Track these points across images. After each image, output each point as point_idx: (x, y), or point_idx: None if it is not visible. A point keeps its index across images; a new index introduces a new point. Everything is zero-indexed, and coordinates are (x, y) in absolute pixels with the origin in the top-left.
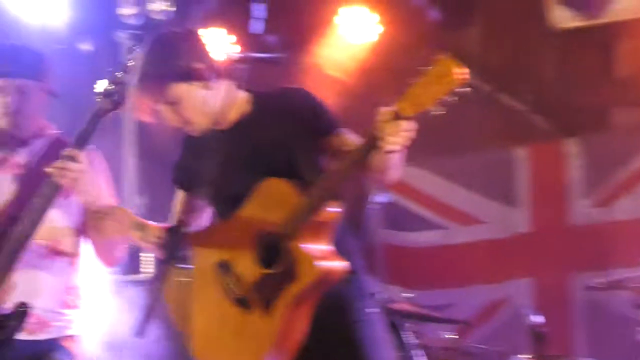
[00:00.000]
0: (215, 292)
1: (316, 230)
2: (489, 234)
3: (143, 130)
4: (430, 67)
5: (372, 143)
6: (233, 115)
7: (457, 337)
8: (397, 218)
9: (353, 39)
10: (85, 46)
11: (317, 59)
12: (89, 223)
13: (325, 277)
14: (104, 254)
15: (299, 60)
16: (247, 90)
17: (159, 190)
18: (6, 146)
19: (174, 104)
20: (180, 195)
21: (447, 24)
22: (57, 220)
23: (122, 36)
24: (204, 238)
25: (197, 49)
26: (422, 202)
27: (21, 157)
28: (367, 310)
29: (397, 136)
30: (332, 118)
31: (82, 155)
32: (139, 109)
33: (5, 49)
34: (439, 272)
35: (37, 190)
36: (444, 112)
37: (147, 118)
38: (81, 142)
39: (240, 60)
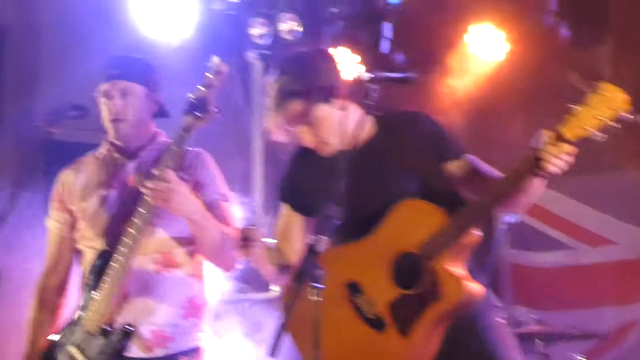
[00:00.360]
0: (345, 312)
1: (456, 253)
2: (620, 255)
3: (270, 150)
4: (594, 93)
5: (533, 165)
6: (362, 136)
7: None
8: (525, 238)
9: (482, 57)
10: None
11: (446, 78)
12: (198, 239)
13: (469, 299)
14: (218, 260)
15: (428, 79)
16: (371, 111)
17: None
18: (115, 161)
19: (312, 124)
20: (288, 214)
21: (577, 41)
22: (163, 232)
23: (252, 56)
24: (330, 258)
25: (335, 69)
26: (550, 222)
27: (131, 170)
28: (495, 319)
29: (559, 159)
30: (455, 142)
31: (171, 174)
32: (275, 129)
33: (113, 57)
34: (568, 292)
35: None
36: (605, 139)
37: (282, 138)
38: (170, 160)
39: (371, 80)
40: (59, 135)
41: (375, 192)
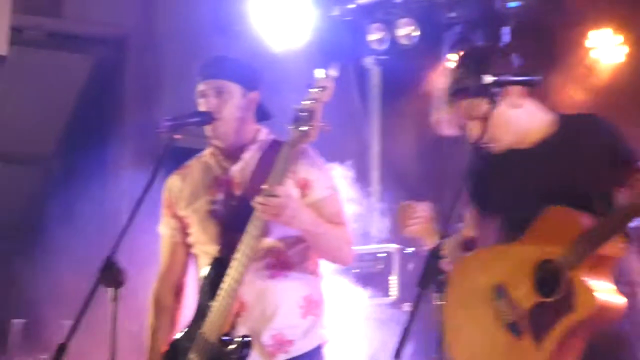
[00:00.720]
0: (485, 314)
1: (599, 264)
2: None
3: (386, 155)
4: None
5: None
6: (536, 135)
7: None
8: None
9: (600, 60)
10: (332, 72)
11: (566, 81)
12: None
13: (602, 312)
14: (335, 258)
15: (547, 83)
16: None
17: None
18: (220, 164)
19: (484, 120)
20: (471, 211)
21: None
22: (273, 235)
23: (369, 61)
24: (481, 259)
25: (510, 66)
26: None
27: (235, 173)
28: None
29: None
30: (631, 149)
31: (281, 189)
32: (446, 123)
33: (210, 57)
34: None
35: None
36: None
37: (451, 132)
38: (280, 176)
39: (495, 83)
40: (181, 141)
41: (540, 193)
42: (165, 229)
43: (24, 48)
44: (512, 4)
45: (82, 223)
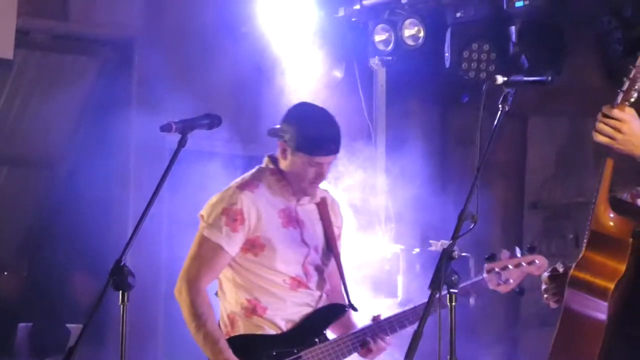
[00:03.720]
0: None
1: None
2: None
3: (392, 154)
4: None
5: None
6: None
7: None
8: None
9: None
10: (338, 73)
11: (576, 79)
12: None
13: None
14: None
15: (558, 82)
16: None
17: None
18: (287, 199)
19: None
20: None
21: None
22: None
23: (375, 62)
24: None
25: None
26: None
27: (301, 212)
28: None
29: None
30: None
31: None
32: None
33: (336, 131)
34: None
35: None
36: None
37: None
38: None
39: (506, 83)
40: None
41: None
42: (225, 239)
43: (30, 51)
44: (520, 3)
45: (88, 226)
